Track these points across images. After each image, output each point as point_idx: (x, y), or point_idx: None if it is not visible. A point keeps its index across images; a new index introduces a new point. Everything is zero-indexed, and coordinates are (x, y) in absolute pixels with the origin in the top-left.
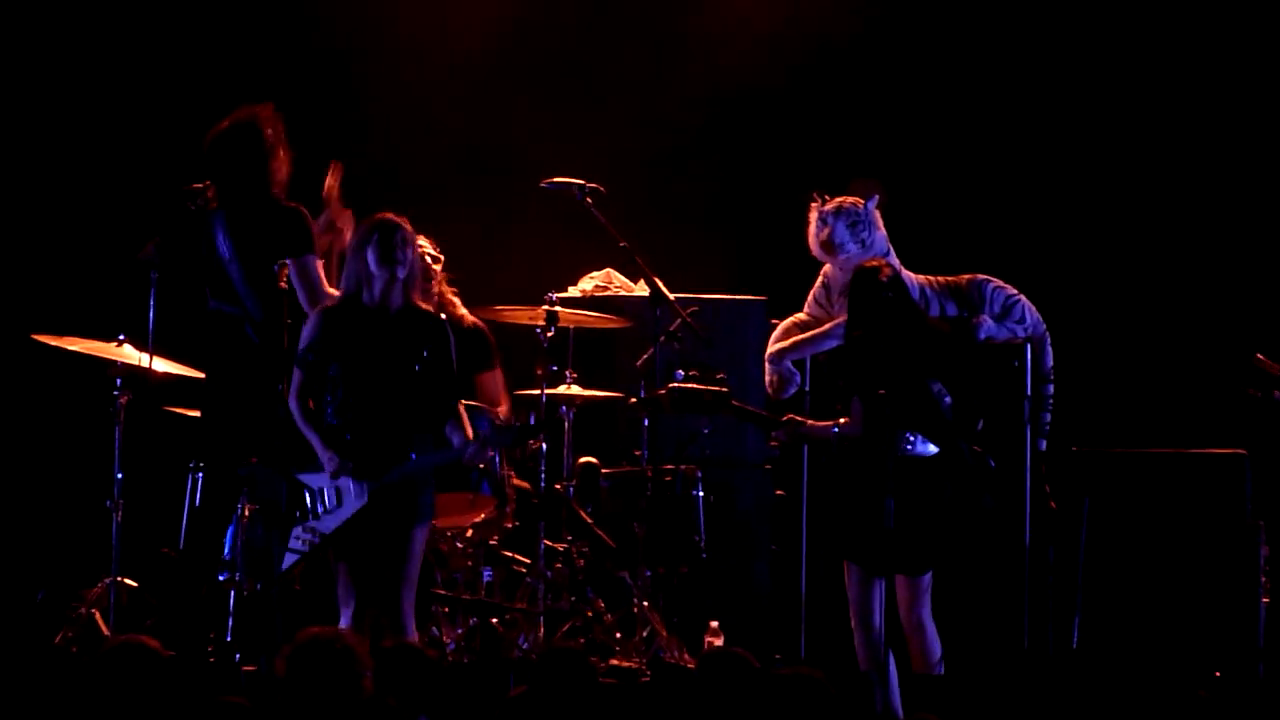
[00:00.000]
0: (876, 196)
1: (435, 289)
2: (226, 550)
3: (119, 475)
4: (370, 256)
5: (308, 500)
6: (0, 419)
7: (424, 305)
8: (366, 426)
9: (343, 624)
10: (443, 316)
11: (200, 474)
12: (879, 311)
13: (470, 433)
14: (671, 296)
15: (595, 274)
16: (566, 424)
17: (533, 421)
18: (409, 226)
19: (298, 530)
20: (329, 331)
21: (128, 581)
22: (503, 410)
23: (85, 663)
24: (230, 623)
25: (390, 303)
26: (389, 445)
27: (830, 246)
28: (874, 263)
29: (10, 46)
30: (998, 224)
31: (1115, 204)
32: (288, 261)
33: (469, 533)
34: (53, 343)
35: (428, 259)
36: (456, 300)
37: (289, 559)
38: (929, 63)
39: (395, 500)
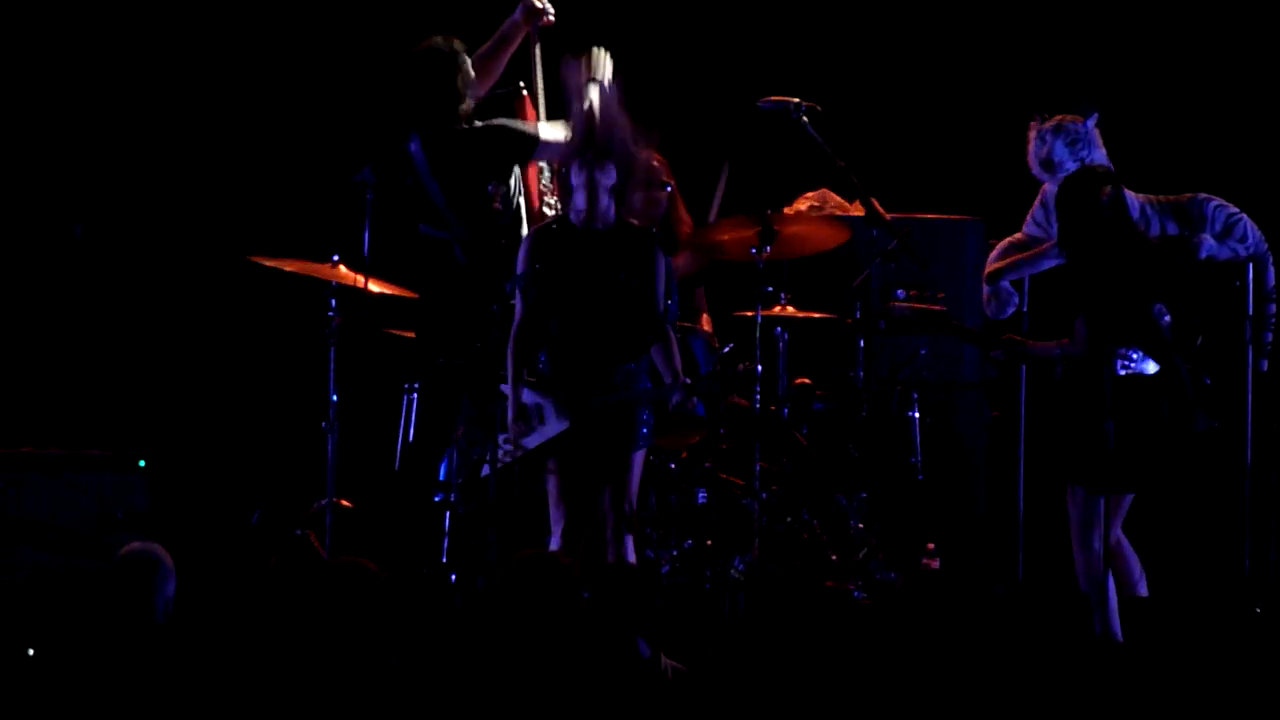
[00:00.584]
0: (1096, 114)
1: (659, 205)
2: (442, 472)
3: (334, 397)
4: (573, 166)
5: (511, 414)
6: (218, 341)
7: (636, 222)
8: (572, 352)
9: (553, 544)
10: (654, 231)
11: (415, 395)
12: (1092, 224)
13: (677, 362)
14: (888, 216)
15: (810, 194)
16: (781, 345)
17: (740, 368)
18: (624, 132)
19: (502, 443)
20: (537, 255)
21: (344, 503)
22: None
23: (304, 584)
24: (445, 544)
25: (597, 218)
26: (593, 372)
27: (1049, 165)
28: (1093, 170)
29: None
30: (1220, 143)
31: None
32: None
33: (683, 454)
34: (269, 264)
35: (655, 171)
36: (686, 218)
37: (486, 470)
38: None
39: (611, 422)
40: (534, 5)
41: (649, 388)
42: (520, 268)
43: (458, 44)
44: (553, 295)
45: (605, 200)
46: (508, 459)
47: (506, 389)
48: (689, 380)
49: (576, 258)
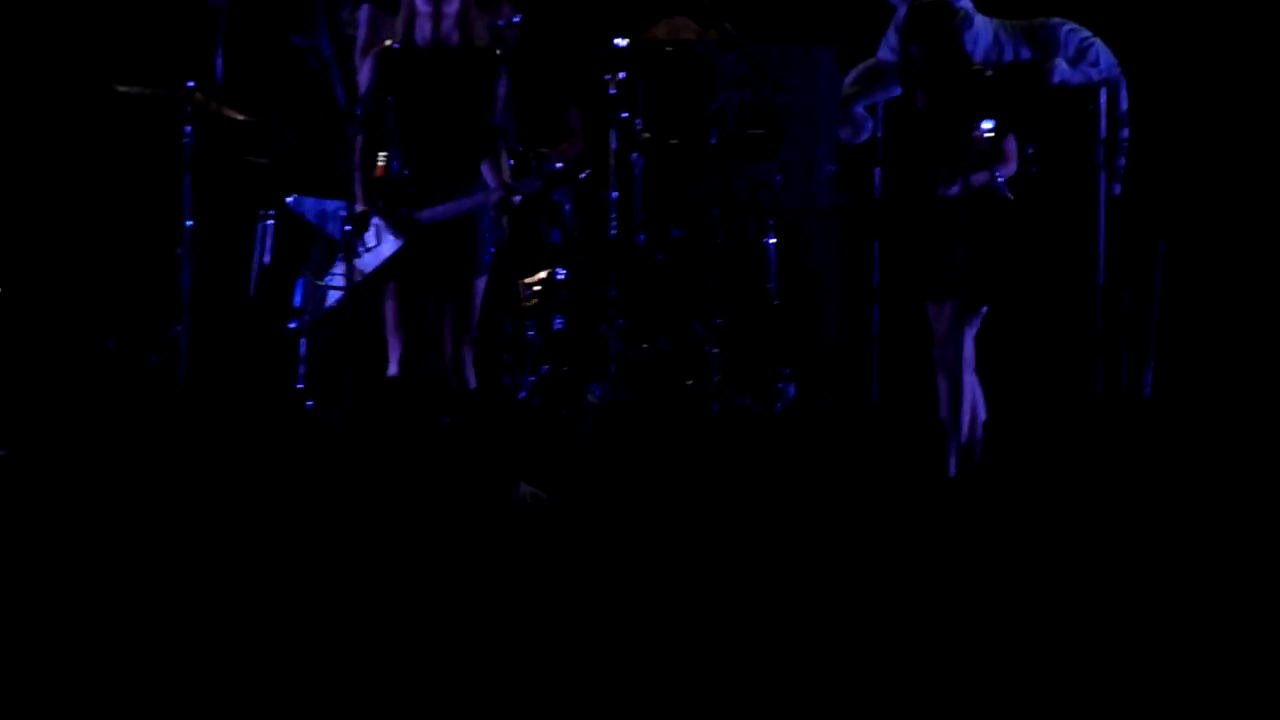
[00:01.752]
0: None
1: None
2: (296, 299)
3: (189, 223)
4: None
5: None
6: (72, 168)
7: (481, 44)
8: (413, 169)
9: (390, 368)
10: (498, 53)
11: (270, 222)
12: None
13: (507, 174)
14: (742, 43)
15: (667, 21)
16: (637, 171)
17: (559, 167)
18: None
19: (338, 268)
20: (384, 75)
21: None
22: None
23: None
24: (301, 370)
25: (443, 40)
26: (431, 188)
27: None
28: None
29: None
30: None
31: None
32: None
33: (539, 283)
34: (124, 89)
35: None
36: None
37: (332, 296)
38: None
39: (450, 246)
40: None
41: (473, 195)
42: (363, 85)
43: None
44: (398, 117)
45: (448, 25)
46: (351, 284)
47: (357, 208)
48: (510, 181)
49: (417, 78)
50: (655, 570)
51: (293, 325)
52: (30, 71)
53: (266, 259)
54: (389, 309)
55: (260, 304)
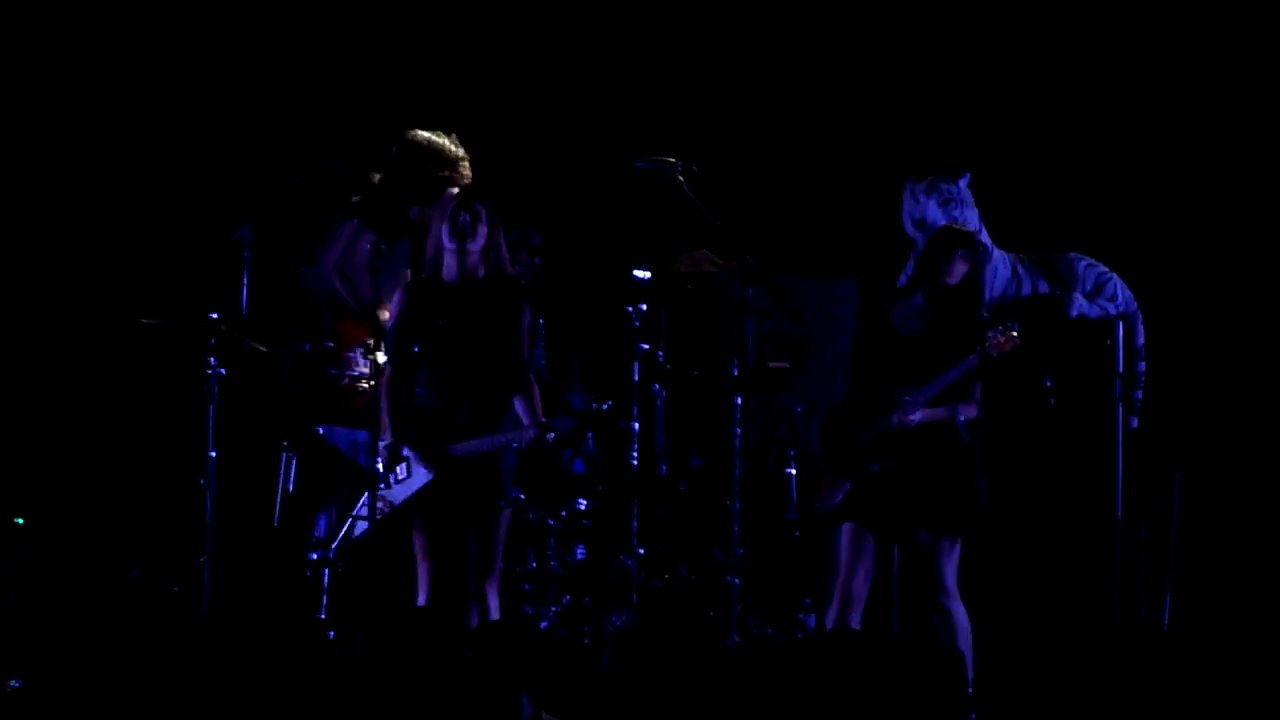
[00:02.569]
0: (968, 175)
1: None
2: (319, 528)
3: (212, 454)
4: (442, 230)
5: (379, 468)
6: (98, 399)
7: (507, 276)
8: (438, 402)
9: (420, 599)
10: (523, 284)
11: (294, 453)
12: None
13: (539, 409)
14: (762, 274)
15: (689, 253)
16: (659, 402)
17: (602, 406)
18: (486, 203)
19: (367, 500)
20: (411, 308)
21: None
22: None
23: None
24: (324, 600)
25: (469, 273)
26: (459, 421)
27: (922, 224)
28: (952, 230)
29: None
30: (1091, 202)
31: (1206, 176)
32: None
33: (562, 511)
34: (149, 322)
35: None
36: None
37: (360, 526)
38: (1016, 33)
39: (476, 480)
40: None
41: (504, 430)
42: (392, 318)
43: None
44: (425, 349)
45: (474, 259)
46: (378, 516)
47: (382, 442)
48: (544, 419)
49: (442, 311)
50: None
51: (313, 556)
52: (58, 302)
53: (290, 488)
54: (417, 540)
55: (283, 534)
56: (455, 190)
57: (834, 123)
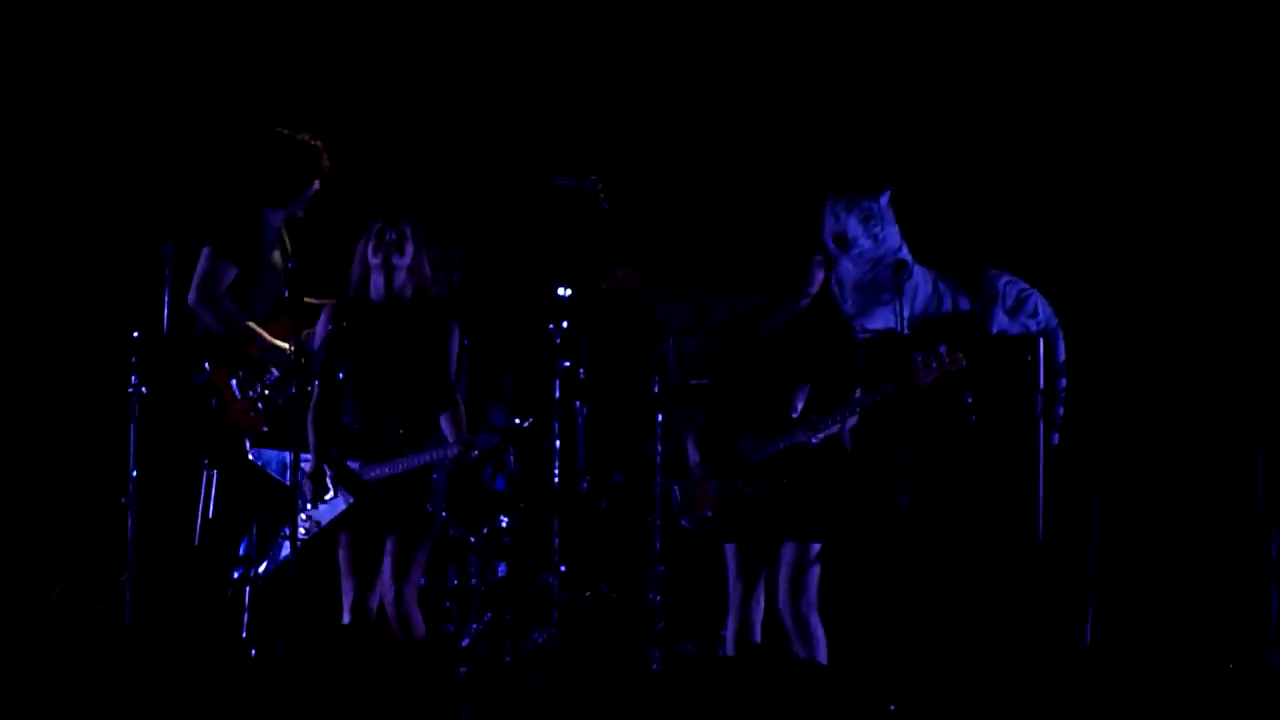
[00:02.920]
0: (889, 191)
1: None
2: (242, 548)
3: (134, 473)
4: (367, 249)
5: (307, 489)
6: (16, 412)
7: (433, 295)
8: (366, 422)
9: (344, 615)
10: (448, 303)
11: (215, 472)
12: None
13: (464, 427)
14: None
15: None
16: (579, 419)
17: (525, 423)
18: (407, 225)
19: (301, 519)
20: (337, 328)
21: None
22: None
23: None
24: (245, 618)
25: (396, 294)
26: (388, 440)
27: (843, 241)
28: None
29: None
30: (1011, 218)
31: (1125, 194)
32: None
33: (484, 529)
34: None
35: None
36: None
37: (285, 549)
38: (935, 52)
39: (398, 495)
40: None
41: (429, 449)
42: (319, 339)
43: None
44: (351, 369)
45: (401, 278)
46: (306, 535)
47: (306, 461)
48: (468, 437)
49: (370, 332)
50: None
51: (235, 574)
52: None
53: (210, 509)
54: (342, 557)
55: (205, 553)
56: (317, 185)
57: (754, 139)
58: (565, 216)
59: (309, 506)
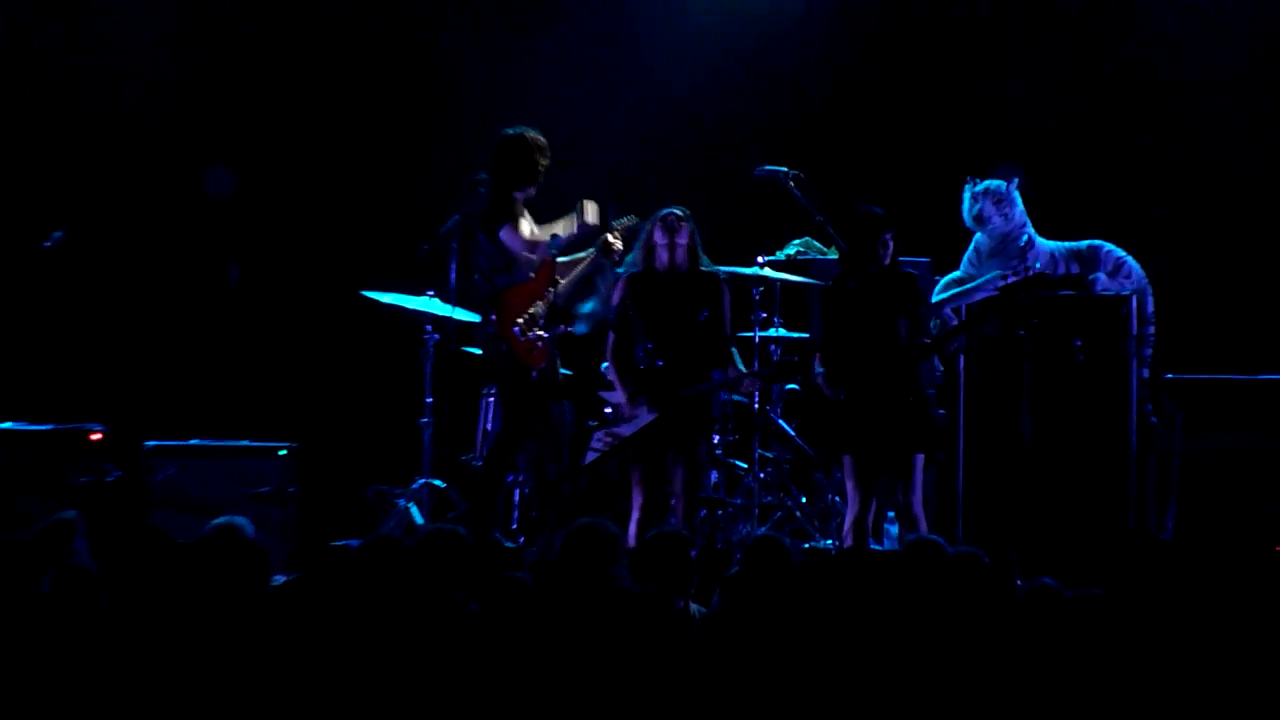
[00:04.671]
0: (1017, 179)
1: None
2: (520, 463)
3: (429, 399)
4: (655, 231)
5: (609, 412)
6: (345, 358)
7: (704, 270)
8: (665, 366)
9: (634, 516)
10: (721, 276)
11: (491, 398)
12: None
13: (741, 368)
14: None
15: (796, 240)
16: (774, 359)
17: (781, 360)
18: (685, 210)
19: (599, 434)
20: (634, 292)
21: (436, 483)
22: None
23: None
24: (515, 515)
25: (676, 269)
26: (681, 378)
27: (980, 219)
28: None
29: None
30: (1114, 200)
31: (1209, 175)
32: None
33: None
34: (377, 296)
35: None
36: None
37: (590, 456)
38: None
39: (686, 417)
40: (609, 244)
41: (723, 377)
42: (615, 300)
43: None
44: (647, 325)
45: (681, 254)
46: (605, 448)
47: (614, 396)
48: (749, 371)
49: (660, 297)
50: None
51: (510, 479)
52: (313, 283)
53: (489, 427)
54: (635, 471)
55: (486, 460)
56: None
57: (915, 133)
58: (755, 200)
59: (613, 426)
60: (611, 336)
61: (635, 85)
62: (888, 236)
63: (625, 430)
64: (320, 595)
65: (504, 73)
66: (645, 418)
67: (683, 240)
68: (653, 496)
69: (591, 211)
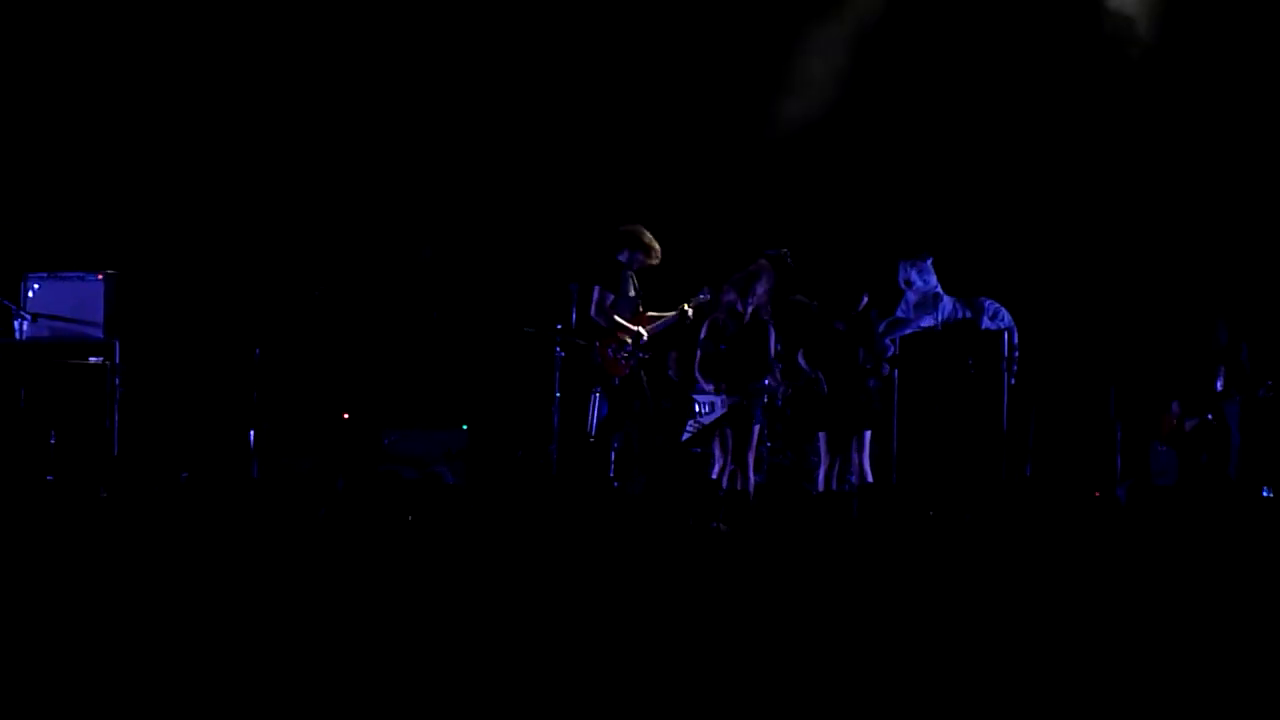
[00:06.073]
0: (931, 258)
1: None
2: (618, 440)
3: (557, 394)
4: (731, 295)
5: (697, 408)
6: (500, 358)
7: (762, 320)
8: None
9: (715, 470)
10: (768, 321)
11: (598, 393)
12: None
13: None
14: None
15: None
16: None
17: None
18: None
19: (691, 424)
20: (713, 331)
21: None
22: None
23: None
24: (611, 470)
25: (740, 316)
26: (743, 379)
27: (908, 283)
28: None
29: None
30: (994, 263)
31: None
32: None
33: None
34: (533, 330)
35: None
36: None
37: (687, 433)
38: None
39: (744, 407)
40: (685, 313)
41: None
42: (703, 335)
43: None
44: (718, 350)
45: (741, 307)
46: (697, 429)
47: (701, 398)
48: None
49: (731, 333)
50: None
51: (615, 443)
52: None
53: (601, 412)
54: (715, 442)
55: (595, 437)
56: (645, 255)
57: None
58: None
59: (699, 413)
60: (699, 352)
61: None
62: (865, 296)
63: (707, 419)
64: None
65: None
66: (719, 411)
67: (752, 302)
68: (727, 458)
69: (690, 313)
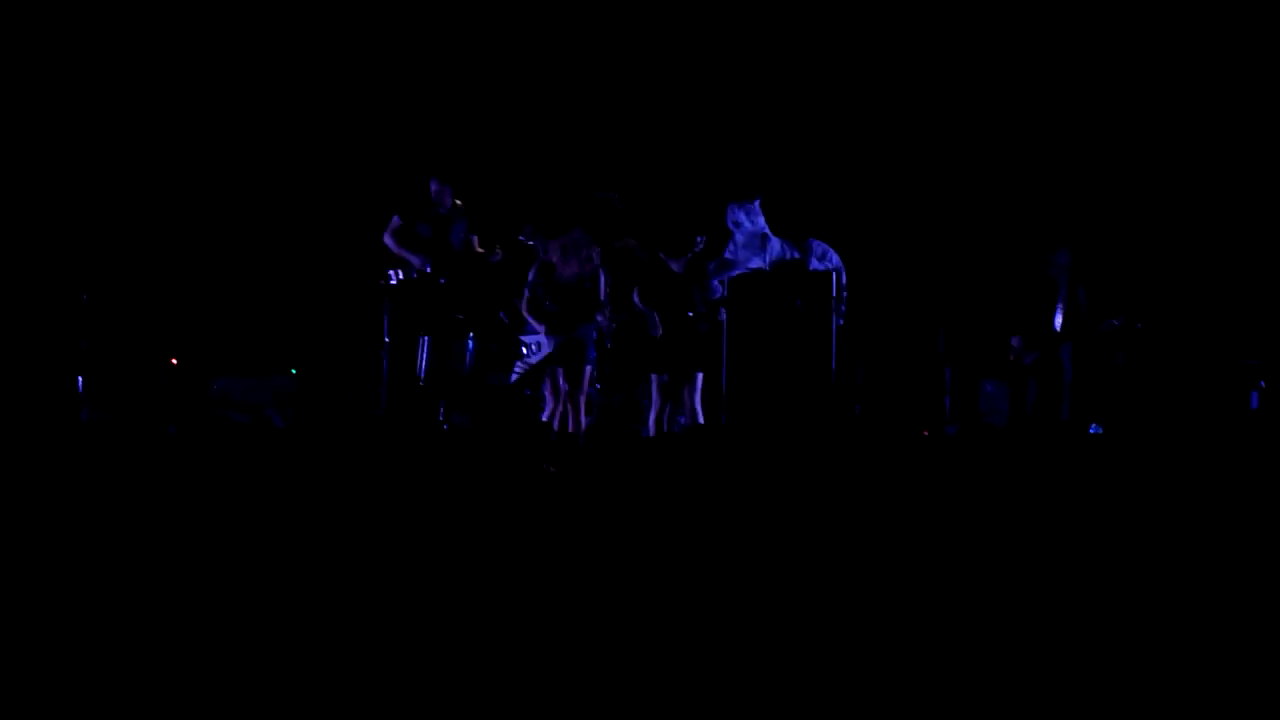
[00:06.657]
0: (759, 199)
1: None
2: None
3: (386, 339)
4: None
5: (524, 349)
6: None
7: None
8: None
9: (546, 410)
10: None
11: (426, 339)
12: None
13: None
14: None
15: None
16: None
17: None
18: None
19: (519, 364)
20: (545, 270)
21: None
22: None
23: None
24: (440, 413)
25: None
26: (572, 319)
27: (736, 224)
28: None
29: None
30: (823, 206)
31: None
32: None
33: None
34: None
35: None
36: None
37: (515, 375)
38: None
39: (576, 347)
40: None
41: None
42: (531, 278)
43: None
44: (546, 284)
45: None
46: (524, 369)
47: (529, 338)
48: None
49: (559, 275)
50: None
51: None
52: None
53: (425, 361)
54: (545, 383)
55: (426, 381)
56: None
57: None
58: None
59: (526, 354)
60: (527, 292)
61: None
62: (700, 240)
63: (534, 359)
64: None
65: None
66: (546, 350)
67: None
68: (558, 400)
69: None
